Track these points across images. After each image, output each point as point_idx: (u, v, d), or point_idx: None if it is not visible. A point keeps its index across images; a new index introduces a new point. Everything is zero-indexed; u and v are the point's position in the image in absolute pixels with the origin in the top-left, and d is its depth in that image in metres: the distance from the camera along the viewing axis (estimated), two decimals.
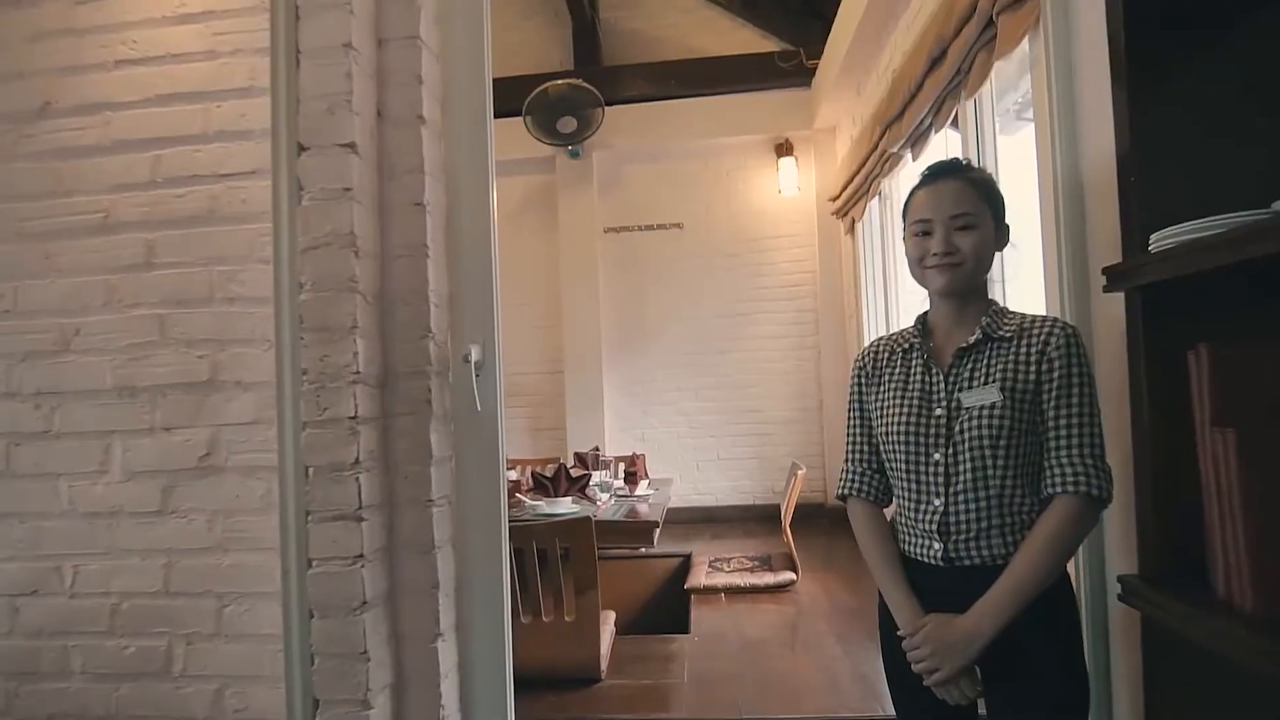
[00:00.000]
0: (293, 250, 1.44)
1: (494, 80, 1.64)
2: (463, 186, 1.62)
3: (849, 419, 1.33)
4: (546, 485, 2.91)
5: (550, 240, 5.13)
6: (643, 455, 4.03)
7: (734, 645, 2.59)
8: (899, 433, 1.20)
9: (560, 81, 4.53)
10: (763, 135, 4.97)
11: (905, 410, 1.20)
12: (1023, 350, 1.13)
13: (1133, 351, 1.18)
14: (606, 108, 4.64)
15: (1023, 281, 2.41)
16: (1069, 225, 1.57)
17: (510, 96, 4.60)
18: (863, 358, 1.31)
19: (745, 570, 3.34)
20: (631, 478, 3.32)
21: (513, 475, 3.59)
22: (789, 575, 3.19)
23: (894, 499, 1.28)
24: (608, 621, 2.59)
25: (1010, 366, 1.13)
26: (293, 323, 1.43)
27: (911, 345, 1.24)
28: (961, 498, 1.14)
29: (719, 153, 5.06)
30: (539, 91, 4.49)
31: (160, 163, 1.61)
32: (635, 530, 2.73)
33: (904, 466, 1.20)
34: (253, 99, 1.58)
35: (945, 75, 2.59)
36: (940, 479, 1.16)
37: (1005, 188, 1.26)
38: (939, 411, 1.17)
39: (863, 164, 3.93)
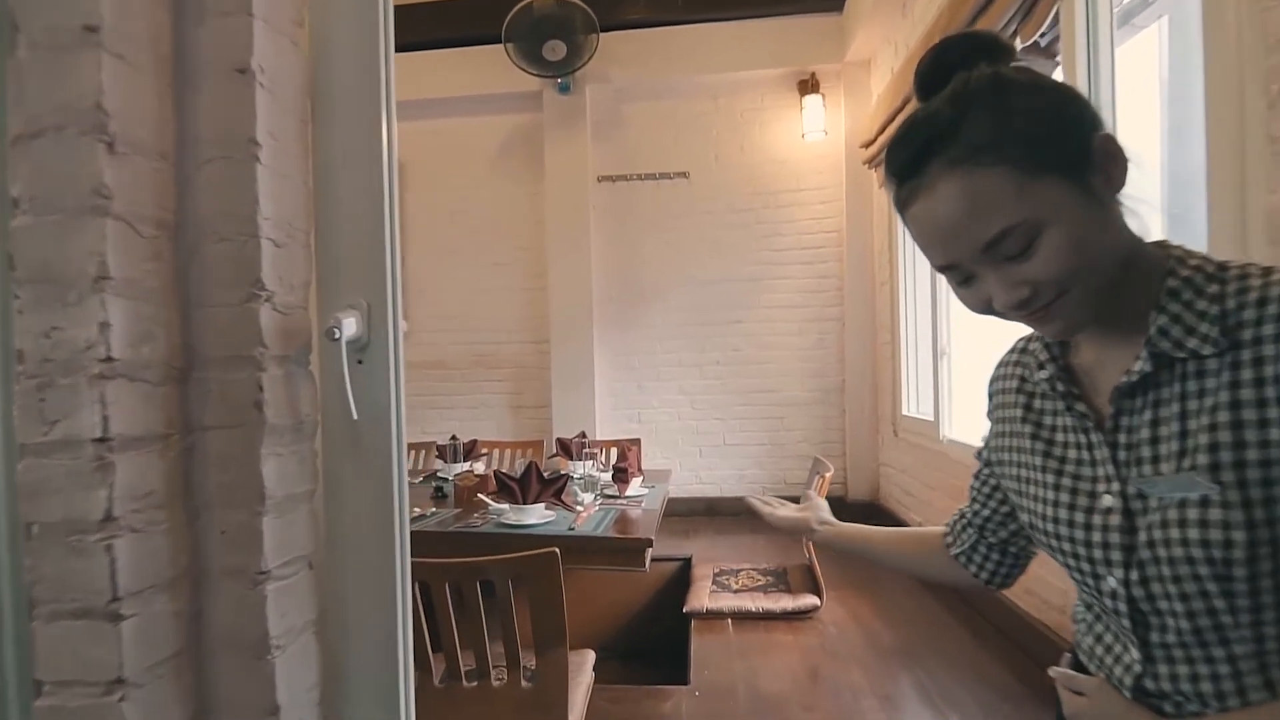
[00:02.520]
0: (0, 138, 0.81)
1: None
2: (335, 47, 0.99)
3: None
4: (513, 489, 2.32)
5: (535, 189, 4.46)
6: (637, 443, 3.44)
7: (744, 704, 2.02)
8: (1047, 533, 0.71)
9: None
10: (784, 69, 4.25)
11: (1052, 494, 0.70)
12: (1246, 377, 0.55)
13: None
14: (602, 33, 3.94)
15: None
16: None
17: (490, 19, 3.92)
18: (991, 382, 0.84)
19: (757, 589, 2.76)
20: (622, 475, 2.72)
21: (480, 468, 3.00)
22: (811, 600, 2.61)
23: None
24: (583, 668, 2.01)
25: (1226, 416, 0.55)
26: (1, 269, 0.81)
27: (1041, 379, 0.70)
28: (1178, 654, 0.61)
29: (733, 89, 4.36)
30: (521, 8, 3.78)
31: None
32: (622, 550, 2.15)
33: (1073, 579, 0.72)
34: None
35: None
36: (1126, 620, 0.63)
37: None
38: (1107, 501, 0.63)
39: (907, 99, 3.25)
